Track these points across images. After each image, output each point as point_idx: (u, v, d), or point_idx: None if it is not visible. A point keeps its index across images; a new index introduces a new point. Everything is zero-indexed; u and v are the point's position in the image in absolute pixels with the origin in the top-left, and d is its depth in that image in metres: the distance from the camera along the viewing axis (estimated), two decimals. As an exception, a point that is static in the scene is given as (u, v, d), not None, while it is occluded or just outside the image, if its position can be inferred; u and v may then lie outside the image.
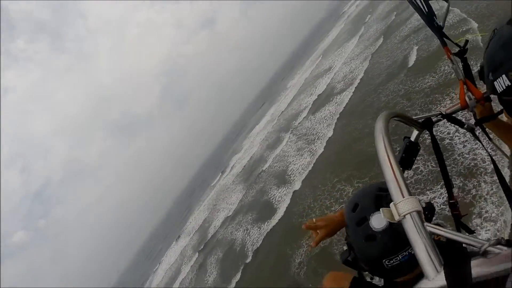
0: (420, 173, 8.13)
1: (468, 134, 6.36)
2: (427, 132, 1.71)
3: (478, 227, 5.70)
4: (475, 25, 11.05)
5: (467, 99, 1.49)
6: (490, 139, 1.66)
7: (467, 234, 0.78)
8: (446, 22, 1.57)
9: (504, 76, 1.19)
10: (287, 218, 14.13)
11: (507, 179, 5.00)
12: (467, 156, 7.25)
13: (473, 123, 1.70)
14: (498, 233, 5.42)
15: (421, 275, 0.69)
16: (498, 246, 0.65)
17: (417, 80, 11.96)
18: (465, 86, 1.55)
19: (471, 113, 1.68)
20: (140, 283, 49.85)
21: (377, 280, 1.28)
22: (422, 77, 11.78)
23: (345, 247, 1.33)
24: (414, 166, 1.62)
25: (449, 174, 1.63)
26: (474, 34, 8.23)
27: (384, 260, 1.12)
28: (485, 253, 0.66)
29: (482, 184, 6.39)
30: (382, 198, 1.19)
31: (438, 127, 8.23)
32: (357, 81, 18.74)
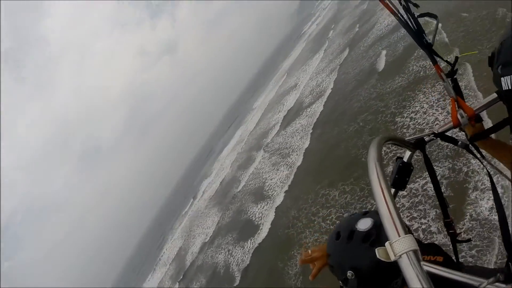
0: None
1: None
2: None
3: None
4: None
5: (459, 117, 1.44)
6: (483, 157, 1.62)
7: (465, 273, 0.74)
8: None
9: None
10: (273, 231, 13.62)
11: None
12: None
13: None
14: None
15: None
16: (496, 284, 0.65)
17: (387, 82, 12.45)
18: (456, 104, 1.51)
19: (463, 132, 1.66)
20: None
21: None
22: (391, 79, 12.29)
23: None
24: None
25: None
26: (465, 53, 8.65)
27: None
28: None
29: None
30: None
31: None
32: (328, 91, 19.26)
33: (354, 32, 23.73)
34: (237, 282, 13.56)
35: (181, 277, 22.92)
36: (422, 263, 0.70)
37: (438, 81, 9.99)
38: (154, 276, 35.58)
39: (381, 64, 14.26)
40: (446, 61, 1.53)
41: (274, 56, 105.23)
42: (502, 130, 1.37)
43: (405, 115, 9.99)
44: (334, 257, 1.21)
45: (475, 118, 1.48)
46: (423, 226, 6.19)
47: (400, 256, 0.71)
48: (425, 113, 9.15)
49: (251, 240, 15.18)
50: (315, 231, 10.34)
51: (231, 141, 49.15)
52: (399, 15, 1.42)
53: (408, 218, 6.78)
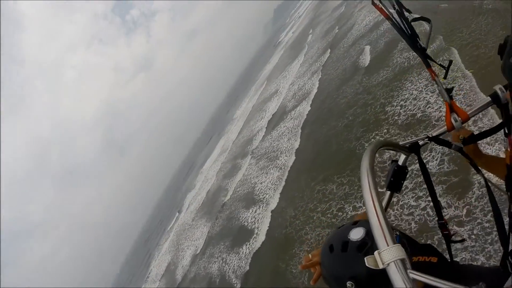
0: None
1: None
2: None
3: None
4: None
5: (453, 120, 1.49)
6: (476, 166, 1.65)
7: (451, 282, 0.76)
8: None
9: None
10: (270, 233, 13.30)
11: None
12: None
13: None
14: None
15: None
16: None
17: (373, 76, 12.70)
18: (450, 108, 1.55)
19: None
20: None
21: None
22: (377, 73, 12.55)
23: None
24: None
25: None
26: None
27: None
28: None
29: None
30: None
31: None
32: (314, 92, 19.41)
33: (333, 33, 24.29)
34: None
35: (174, 293, 21.98)
36: (409, 271, 0.74)
37: (424, 69, 10.27)
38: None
39: (366, 60, 14.57)
40: (440, 64, 1.56)
41: (252, 66, 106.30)
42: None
43: (395, 104, 10.15)
44: (330, 270, 1.21)
45: (468, 139, 1.54)
46: (431, 204, 6.18)
47: (388, 264, 0.76)
48: (415, 99, 9.32)
49: (246, 246, 14.76)
50: (316, 226, 10.16)
51: (213, 152, 48.51)
52: (393, 19, 1.44)
53: (414, 198, 6.77)
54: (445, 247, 1.61)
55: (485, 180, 1.51)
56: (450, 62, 1.58)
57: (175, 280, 22.97)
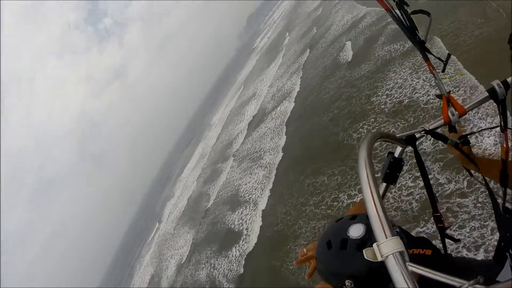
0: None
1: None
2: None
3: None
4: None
5: (450, 114, 1.49)
6: (473, 161, 1.66)
7: (448, 275, 0.75)
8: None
9: None
10: (261, 233, 13.02)
11: None
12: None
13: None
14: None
15: None
16: (476, 286, 0.69)
17: (355, 70, 12.90)
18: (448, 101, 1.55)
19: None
20: None
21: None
22: (358, 67, 12.74)
23: None
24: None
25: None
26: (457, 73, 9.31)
27: None
28: None
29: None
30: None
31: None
32: (296, 90, 19.48)
33: (311, 35, 24.63)
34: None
35: (159, 304, 21.05)
36: (407, 263, 0.74)
37: (405, 59, 10.55)
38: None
39: (348, 55, 14.82)
40: (438, 58, 1.57)
41: (227, 72, 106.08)
42: None
43: (380, 93, 10.31)
44: (328, 267, 1.19)
45: (463, 141, 1.56)
46: (431, 181, 6.21)
47: (387, 256, 0.75)
48: (400, 87, 9.51)
49: (236, 248, 14.38)
50: (310, 219, 10.02)
51: (191, 159, 47.64)
52: (393, 11, 1.43)
53: (411, 179, 6.80)
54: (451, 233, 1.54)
55: (484, 178, 1.50)
56: (449, 55, 1.57)
57: (160, 292, 22.05)
